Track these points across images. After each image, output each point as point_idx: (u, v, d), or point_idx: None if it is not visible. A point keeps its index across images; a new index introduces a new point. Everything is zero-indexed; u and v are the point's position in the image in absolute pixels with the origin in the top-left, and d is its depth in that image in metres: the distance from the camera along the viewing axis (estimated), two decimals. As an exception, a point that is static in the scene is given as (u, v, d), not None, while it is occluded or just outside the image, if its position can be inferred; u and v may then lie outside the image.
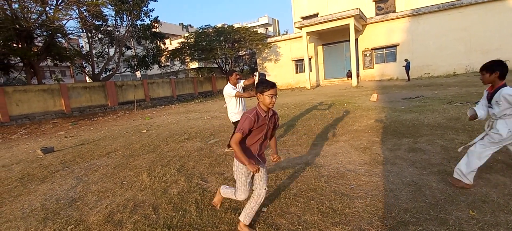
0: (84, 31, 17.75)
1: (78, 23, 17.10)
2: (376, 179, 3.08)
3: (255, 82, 4.13)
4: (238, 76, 4.43)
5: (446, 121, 5.46)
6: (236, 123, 4.42)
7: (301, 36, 21.68)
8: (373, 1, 23.90)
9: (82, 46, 21.08)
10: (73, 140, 8.31)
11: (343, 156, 4.00)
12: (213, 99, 20.42)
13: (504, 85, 2.50)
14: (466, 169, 2.62)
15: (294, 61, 24.70)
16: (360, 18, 19.21)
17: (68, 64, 22.12)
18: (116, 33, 19.26)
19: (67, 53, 17.75)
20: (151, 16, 19.63)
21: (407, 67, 17.92)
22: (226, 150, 4.92)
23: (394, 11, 22.28)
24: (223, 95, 4.46)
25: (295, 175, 3.42)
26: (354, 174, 3.27)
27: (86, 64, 20.56)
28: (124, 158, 5.17)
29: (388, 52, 21.04)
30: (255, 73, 4.10)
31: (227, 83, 4.51)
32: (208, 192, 3.15)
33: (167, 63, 27.17)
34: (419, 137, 4.57)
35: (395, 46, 20.53)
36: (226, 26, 24.63)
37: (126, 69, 21.87)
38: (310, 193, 2.85)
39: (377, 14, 23.29)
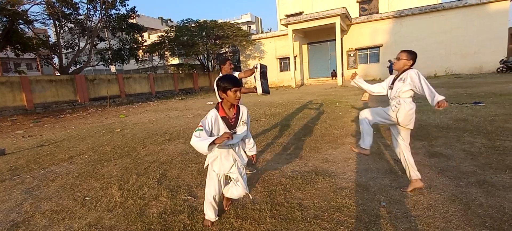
0: (51, 18, 16.02)
1: (44, 9, 15.37)
2: (408, 193, 2.51)
3: (255, 74, 3.45)
4: (232, 66, 3.71)
5: (453, 121, 5.10)
6: None
7: (286, 34, 21.24)
8: (357, 2, 24.00)
9: (49, 36, 19.07)
10: (32, 140, 7.13)
11: (356, 162, 3.43)
12: (195, 96, 19.40)
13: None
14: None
15: (278, 59, 24.21)
16: (346, 17, 19.09)
17: (33, 55, 20.05)
18: (88, 23, 17.63)
19: (31, 42, 15.92)
20: (127, 5, 18.24)
21: (390, 68, 18.01)
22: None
23: (377, 13, 22.47)
24: (215, 90, 3.70)
25: (306, 187, 2.78)
26: (379, 186, 2.69)
27: (53, 55, 18.67)
28: (91, 163, 4.27)
29: (371, 53, 21.16)
30: (255, 65, 3.42)
31: (219, 74, 3.80)
32: (199, 212, 2.42)
33: (145, 58, 25.63)
34: (433, 139, 4.13)
35: (378, 47, 20.68)
36: (208, 21, 23.58)
37: (99, 63, 20.18)
38: (335, 214, 2.22)
39: (360, 15, 23.39)
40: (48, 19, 16.08)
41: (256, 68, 3.36)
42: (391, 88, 2.66)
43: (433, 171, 2.98)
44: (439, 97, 2.27)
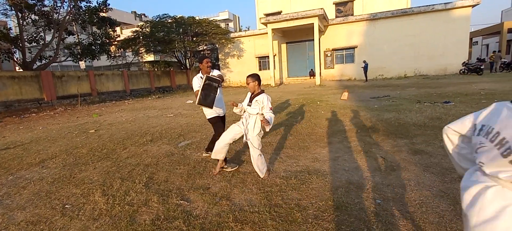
0: (13, 9, 14.64)
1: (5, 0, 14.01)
2: (400, 190, 2.60)
3: (202, 84, 3.13)
4: (209, 64, 3.50)
5: (429, 120, 5.40)
6: (212, 120, 3.55)
7: (265, 33, 21.34)
8: (333, 4, 24.69)
9: (10, 28, 17.41)
10: (-7, 142, 6.48)
11: (345, 161, 3.50)
12: (173, 95, 18.83)
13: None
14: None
15: (257, 58, 24.25)
16: (323, 18, 19.57)
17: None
18: (54, 15, 16.36)
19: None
20: (99, -2, 17.16)
21: (365, 68, 18.75)
22: (204, 154, 4.07)
23: (353, 15, 23.29)
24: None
25: (302, 187, 2.78)
26: (371, 184, 2.76)
27: (15, 49, 17.09)
28: (66, 167, 3.95)
29: (347, 54, 21.90)
30: (205, 77, 3.16)
31: (198, 72, 3.63)
32: (195, 217, 2.32)
33: (118, 54, 24.37)
34: (413, 137, 4.33)
35: (353, 48, 21.44)
36: (186, 17, 22.97)
37: (67, 58, 18.84)
38: (334, 213, 2.23)
39: (336, 16, 24.11)
40: (9, 10, 14.70)
41: (204, 78, 3.12)
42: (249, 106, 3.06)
43: (418, 168, 3.11)
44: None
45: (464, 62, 18.08)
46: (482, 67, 16.83)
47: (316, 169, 3.26)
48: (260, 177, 3.05)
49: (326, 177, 2.99)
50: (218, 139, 3.45)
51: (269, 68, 21.84)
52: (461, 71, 18.04)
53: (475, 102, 7.05)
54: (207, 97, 3.18)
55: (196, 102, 3.15)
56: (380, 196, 2.50)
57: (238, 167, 3.41)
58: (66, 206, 2.70)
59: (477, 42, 30.46)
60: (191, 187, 2.95)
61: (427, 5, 19.03)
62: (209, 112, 3.55)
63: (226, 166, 3.42)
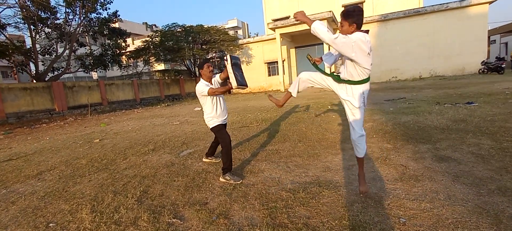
0: (26, 23, 15.06)
1: (18, 12, 14.44)
2: (427, 205, 2.22)
3: (227, 67, 3.00)
4: (211, 68, 3.33)
5: (452, 123, 4.92)
6: (214, 129, 3.28)
7: (274, 39, 21.14)
8: (342, 6, 24.26)
9: (24, 41, 17.98)
10: (0, 153, 6.44)
11: (361, 170, 3.12)
12: (182, 102, 18.81)
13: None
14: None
15: (266, 64, 24.04)
16: (333, 21, 19.17)
17: (7, 62, 18.81)
18: (67, 27, 16.74)
19: (4, 48, 14.84)
20: (109, 9, 17.51)
21: (378, 70, 18.11)
22: (204, 159, 3.85)
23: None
24: (198, 97, 3.34)
25: (311, 202, 2.43)
26: (393, 198, 2.38)
27: (29, 62, 17.56)
28: (62, 180, 3.75)
29: (358, 56, 21.30)
30: (225, 58, 3.06)
31: (200, 80, 3.37)
32: (188, 239, 2.01)
33: (129, 64, 24.75)
34: (437, 142, 3.90)
35: (365, 50, 20.84)
36: (195, 26, 23.12)
37: (78, 69, 19.22)
38: (350, 236, 1.88)
39: (346, 19, 23.64)
40: (22, 23, 15.12)
41: (227, 60, 3.01)
42: None
43: (447, 178, 2.70)
44: None
45: (484, 61, 17.20)
46: (503, 66, 15.94)
47: (327, 180, 2.90)
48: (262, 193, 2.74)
49: (340, 190, 2.63)
50: (223, 147, 3.14)
51: (278, 74, 21.57)
52: (480, 71, 17.15)
53: (501, 102, 6.48)
54: (241, 77, 3.04)
55: (234, 86, 2.96)
56: (404, 213, 2.12)
57: (242, 180, 3.08)
58: (50, 224, 2.46)
59: (495, 40, 29.18)
60: (187, 202, 2.65)
61: (441, 4, 18.34)
62: (213, 123, 3.29)
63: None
